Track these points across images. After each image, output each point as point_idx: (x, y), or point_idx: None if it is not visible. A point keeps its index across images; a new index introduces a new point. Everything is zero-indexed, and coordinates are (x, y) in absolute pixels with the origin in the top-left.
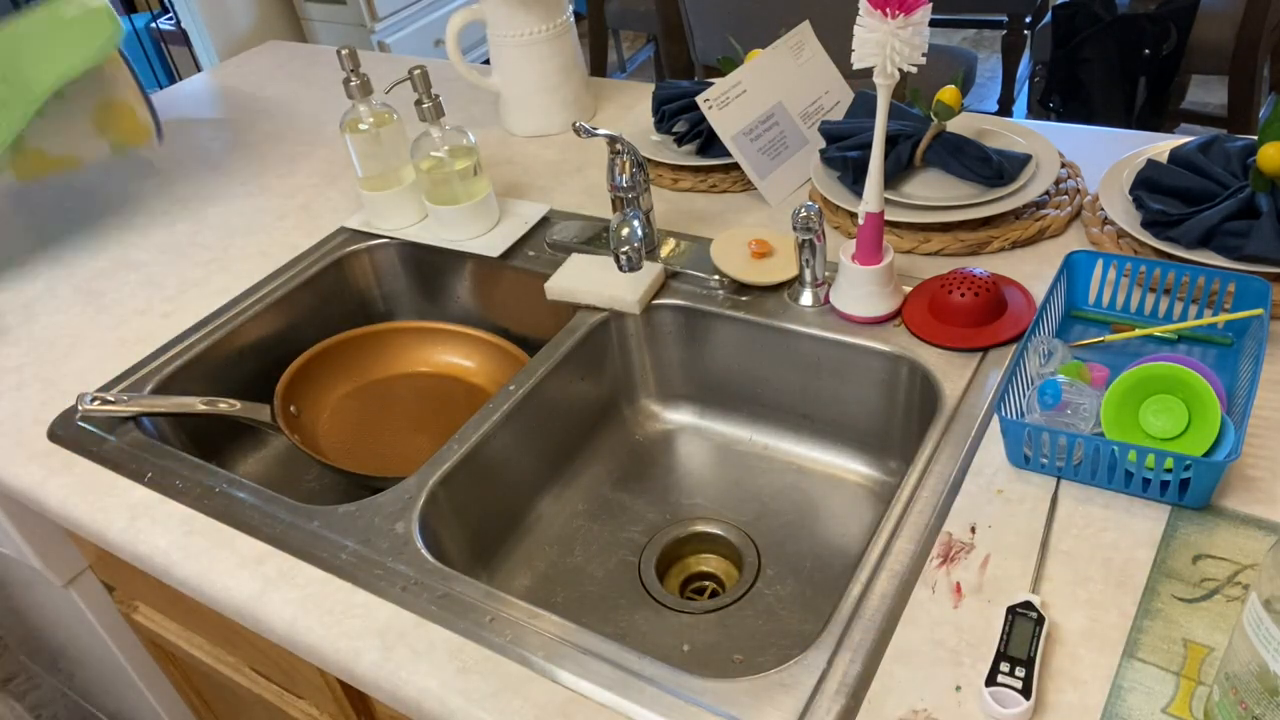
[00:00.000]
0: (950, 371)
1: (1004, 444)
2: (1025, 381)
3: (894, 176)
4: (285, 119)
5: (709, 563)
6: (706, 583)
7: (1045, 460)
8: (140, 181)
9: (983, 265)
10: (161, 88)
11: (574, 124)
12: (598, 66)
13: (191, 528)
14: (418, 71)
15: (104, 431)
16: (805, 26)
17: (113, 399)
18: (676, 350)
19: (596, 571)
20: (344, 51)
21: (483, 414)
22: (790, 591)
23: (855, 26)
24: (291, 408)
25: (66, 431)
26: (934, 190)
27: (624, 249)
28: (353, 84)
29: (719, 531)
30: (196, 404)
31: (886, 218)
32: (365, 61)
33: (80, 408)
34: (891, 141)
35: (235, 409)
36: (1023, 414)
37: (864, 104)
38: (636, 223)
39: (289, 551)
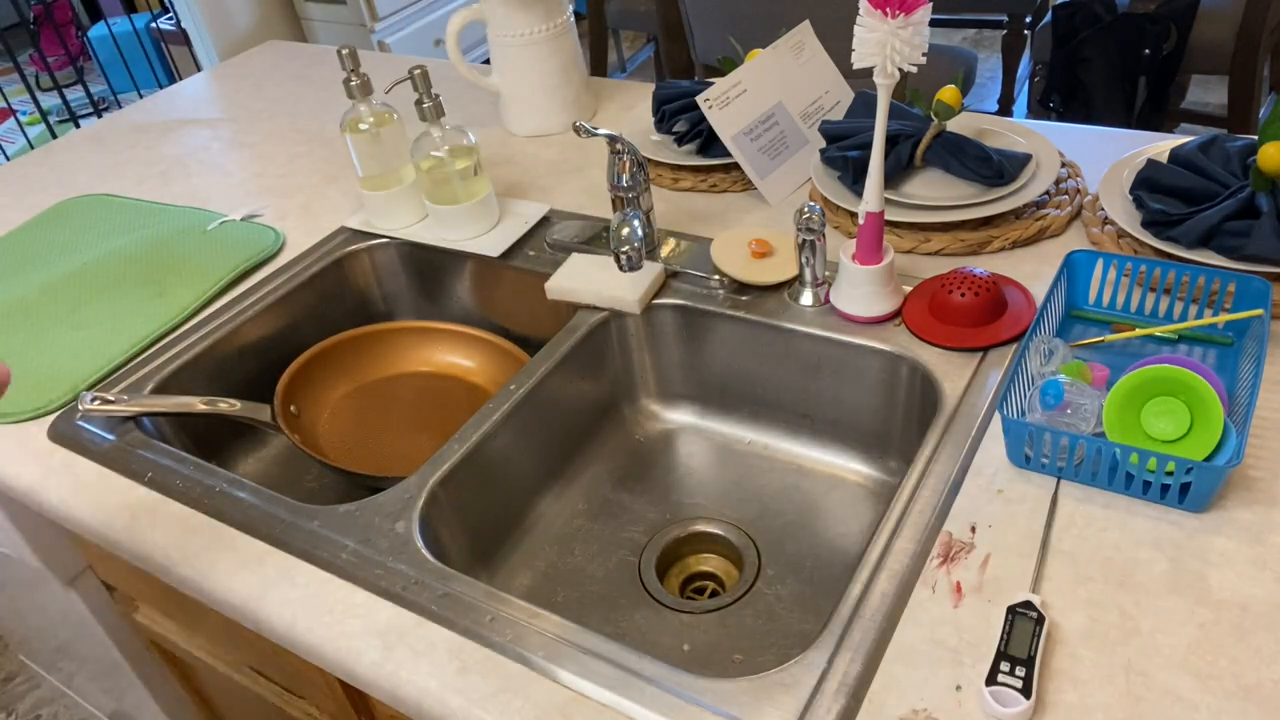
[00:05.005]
0: (950, 371)
1: (1005, 443)
2: (1026, 381)
3: (894, 176)
4: (285, 119)
5: (709, 562)
6: (707, 582)
7: (1046, 460)
8: (139, 181)
9: (983, 265)
10: (162, 87)
11: (574, 124)
12: (598, 66)
13: (191, 527)
14: (418, 71)
15: (104, 431)
16: (805, 26)
17: (113, 399)
18: (677, 350)
19: (597, 571)
20: (344, 51)
21: (483, 414)
22: (790, 591)
23: (855, 26)
24: (292, 407)
25: (67, 431)
26: (934, 190)
27: (624, 249)
28: (353, 84)
29: (719, 531)
30: (197, 404)
31: (887, 217)
32: (365, 61)
33: (81, 407)
34: (892, 141)
35: (235, 409)
36: (1024, 414)
37: (864, 104)
38: (636, 222)
39: (289, 551)
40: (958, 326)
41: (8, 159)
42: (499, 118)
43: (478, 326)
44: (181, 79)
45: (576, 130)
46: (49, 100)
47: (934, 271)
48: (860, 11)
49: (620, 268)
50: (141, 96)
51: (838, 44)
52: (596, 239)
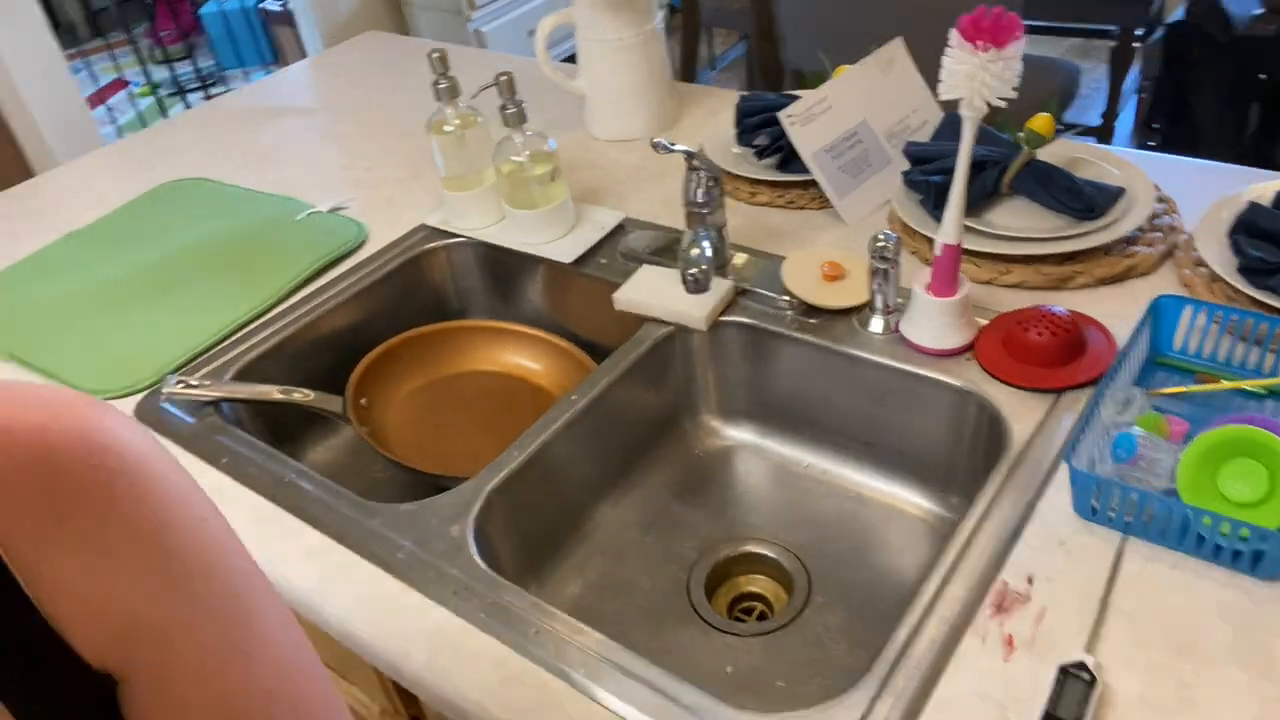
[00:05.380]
0: (1021, 412)
1: (1071, 493)
2: (1099, 429)
3: (978, 203)
4: (378, 111)
5: (759, 583)
6: (755, 603)
7: (1113, 514)
8: (237, 167)
9: (1064, 302)
10: (265, 67)
11: (652, 140)
12: (688, 62)
13: (261, 516)
14: (504, 78)
15: (185, 414)
16: (898, 43)
17: (195, 383)
18: (741, 368)
19: (646, 584)
20: (435, 55)
21: (544, 421)
22: (838, 621)
23: (943, 57)
24: (362, 400)
25: (151, 412)
26: (1019, 220)
27: (692, 270)
28: (441, 86)
29: (771, 554)
30: (273, 392)
31: (966, 245)
32: (457, 58)
33: (164, 390)
34: (978, 167)
35: (309, 399)
36: (1094, 463)
37: (952, 126)
38: (706, 244)
39: (349, 546)
40: (1032, 365)
41: (119, 131)
42: (583, 120)
43: (547, 329)
44: (285, 59)
45: (654, 146)
46: (159, 74)
47: (1012, 305)
48: (950, 42)
49: (687, 289)
50: (245, 75)
51: (936, 58)
52: (668, 250)
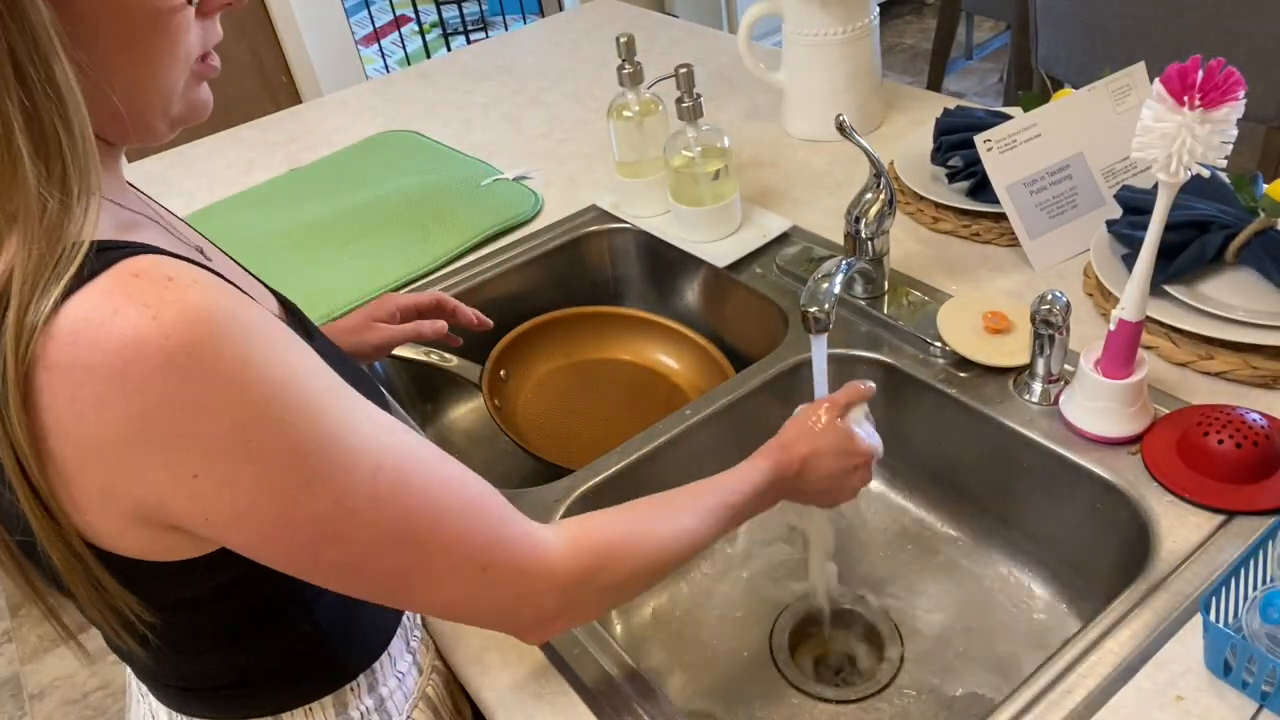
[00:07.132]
0: (1178, 528)
1: (1203, 643)
2: (1260, 574)
3: (1193, 270)
4: (585, 83)
5: (848, 642)
6: (841, 662)
7: (1249, 679)
8: (446, 124)
9: (1270, 406)
10: (524, 17)
11: (838, 116)
12: (941, 47)
13: None
14: (683, 70)
15: None
16: (1139, 69)
17: None
18: (874, 410)
19: (731, 616)
20: (622, 39)
21: (652, 432)
22: (924, 708)
23: (1143, 108)
24: (502, 372)
25: None
26: (1238, 297)
27: (813, 309)
28: (625, 71)
29: (868, 615)
30: (416, 352)
31: (1167, 320)
32: (652, 34)
33: None
34: (1201, 228)
35: (449, 364)
36: (1238, 616)
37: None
38: (840, 279)
39: None
40: (1205, 476)
41: (387, 69)
42: (779, 114)
43: (694, 328)
44: (544, 10)
45: (840, 128)
46: (431, 15)
47: (1208, 396)
48: (1151, 94)
49: (805, 327)
50: (506, 25)
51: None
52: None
